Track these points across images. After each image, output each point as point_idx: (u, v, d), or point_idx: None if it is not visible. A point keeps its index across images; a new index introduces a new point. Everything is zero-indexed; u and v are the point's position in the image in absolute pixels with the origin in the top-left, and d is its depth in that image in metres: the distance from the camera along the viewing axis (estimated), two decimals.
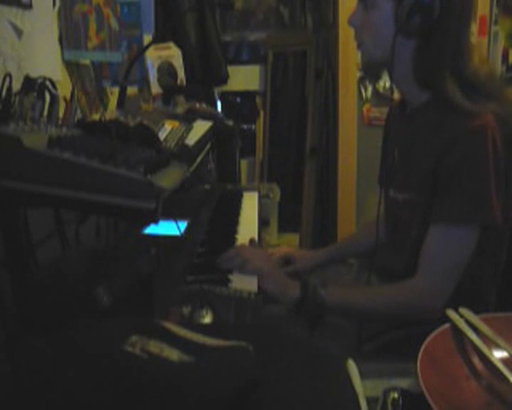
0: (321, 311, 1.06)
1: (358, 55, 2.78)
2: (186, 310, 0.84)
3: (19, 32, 1.24)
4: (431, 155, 1.04)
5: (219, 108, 3.02)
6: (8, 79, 0.79)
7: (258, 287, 1.05)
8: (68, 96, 0.95)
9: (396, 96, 1.28)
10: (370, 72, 1.20)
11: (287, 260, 1.44)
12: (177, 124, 1.11)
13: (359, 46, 1.15)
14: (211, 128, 1.44)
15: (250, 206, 1.66)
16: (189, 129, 1.15)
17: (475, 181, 1.00)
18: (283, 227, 2.97)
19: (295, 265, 1.42)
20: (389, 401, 0.63)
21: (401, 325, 1.13)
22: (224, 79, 3.03)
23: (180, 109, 1.74)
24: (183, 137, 1.05)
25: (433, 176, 1.04)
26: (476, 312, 0.79)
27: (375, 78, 1.22)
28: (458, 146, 1.00)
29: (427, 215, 1.06)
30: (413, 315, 1.07)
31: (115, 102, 1.53)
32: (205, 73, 2.87)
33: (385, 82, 2.88)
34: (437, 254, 1.05)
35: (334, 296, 1.07)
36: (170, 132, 1.02)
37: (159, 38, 2.12)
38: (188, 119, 1.31)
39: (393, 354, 1.05)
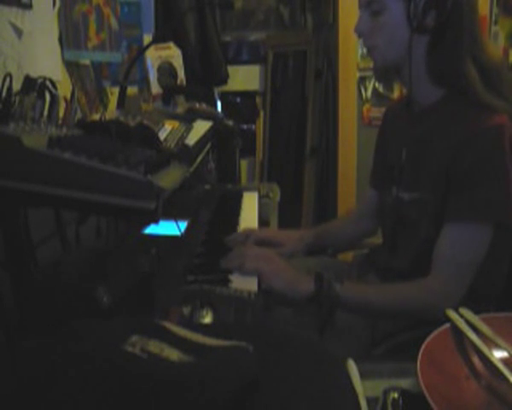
0: (335, 306, 1.03)
1: (358, 55, 2.81)
2: (186, 310, 0.84)
3: (19, 32, 1.24)
4: (445, 153, 1.04)
5: (219, 108, 3.02)
6: (8, 79, 0.79)
7: (259, 287, 1.05)
8: (68, 96, 0.95)
9: (395, 95, 1.28)
10: (385, 76, 1.19)
11: (268, 244, 1.33)
12: (177, 124, 1.11)
13: (370, 51, 1.14)
14: (211, 128, 1.44)
15: (250, 206, 1.66)
16: (189, 129, 1.15)
17: (491, 179, 1.00)
18: (283, 227, 2.95)
19: (283, 249, 1.34)
20: (389, 401, 0.63)
21: (413, 327, 1.10)
22: (223, 79, 3.03)
23: (180, 109, 1.73)
24: (183, 137, 1.05)
25: (448, 174, 1.03)
26: (477, 312, 0.79)
27: (390, 82, 1.21)
28: (474, 144, 1.00)
29: (439, 214, 1.05)
30: (428, 314, 1.04)
31: (115, 102, 1.53)
32: (205, 73, 2.88)
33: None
34: (451, 253, 1.03)
35: (349, 291, 1.05)
36: (170, 132, 1.02)
37: (159, 38, 2.12)
38: (188, 119, 1.30)
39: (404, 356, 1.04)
